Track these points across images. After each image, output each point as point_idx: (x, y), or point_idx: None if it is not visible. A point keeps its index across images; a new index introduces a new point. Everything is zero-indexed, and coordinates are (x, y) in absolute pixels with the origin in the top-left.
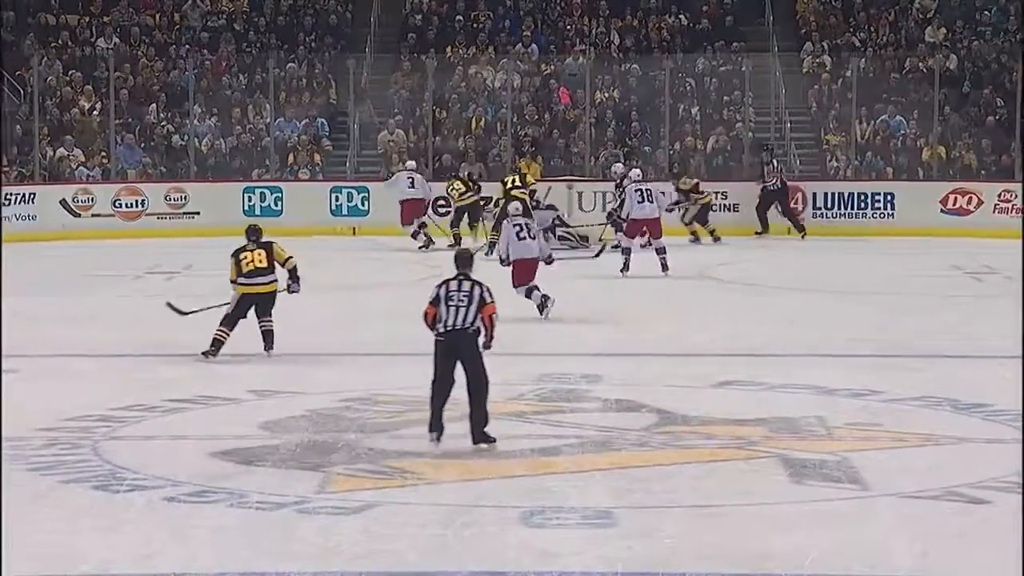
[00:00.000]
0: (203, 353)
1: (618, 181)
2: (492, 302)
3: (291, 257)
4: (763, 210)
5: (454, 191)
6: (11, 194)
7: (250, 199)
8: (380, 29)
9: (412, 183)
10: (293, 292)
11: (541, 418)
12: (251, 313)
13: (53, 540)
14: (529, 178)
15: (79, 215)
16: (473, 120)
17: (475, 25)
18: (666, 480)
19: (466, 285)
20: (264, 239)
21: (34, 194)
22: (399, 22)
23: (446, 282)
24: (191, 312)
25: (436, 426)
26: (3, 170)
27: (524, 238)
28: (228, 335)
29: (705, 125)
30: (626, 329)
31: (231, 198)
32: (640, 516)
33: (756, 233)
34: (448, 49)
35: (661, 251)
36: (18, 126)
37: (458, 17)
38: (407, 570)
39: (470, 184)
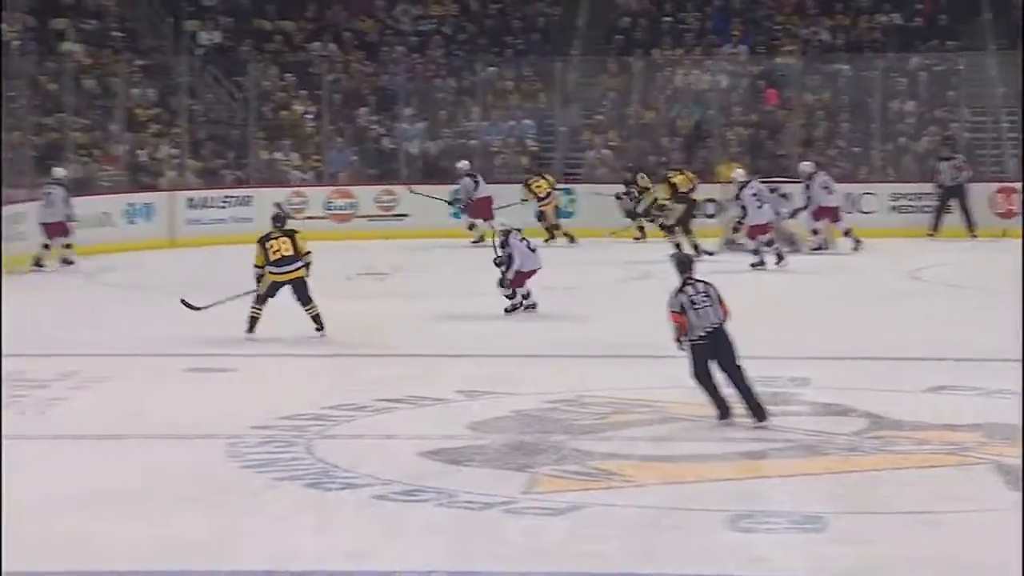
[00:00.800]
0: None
1: (805, 181)
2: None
3: (309, 252)
4: (940, 209)
5: (538, 188)
6: (229, 196)
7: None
8: (588, 31)
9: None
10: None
11: (748, 421)
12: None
13: (268, 536)
14: (683, 178)
15: (293, 217)
16: (679, 122)
17: (682, 26)
18: (877, 486)
19: (700, 286)
20: (288, 227)
21: (250, 197)
22: (607, 24)
23: (682, 290)
24: (206, 307)
25: (724, 409)
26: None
27: (534, 250)
28: (261, 311)
29: (919, 124)
30: (829, 331)
31: (439, 200)
32: (851, 521)
33: (928, 234)
34: (655, 50)
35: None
36: (235, 131)
37: (665, 18)
38: (613, 572)
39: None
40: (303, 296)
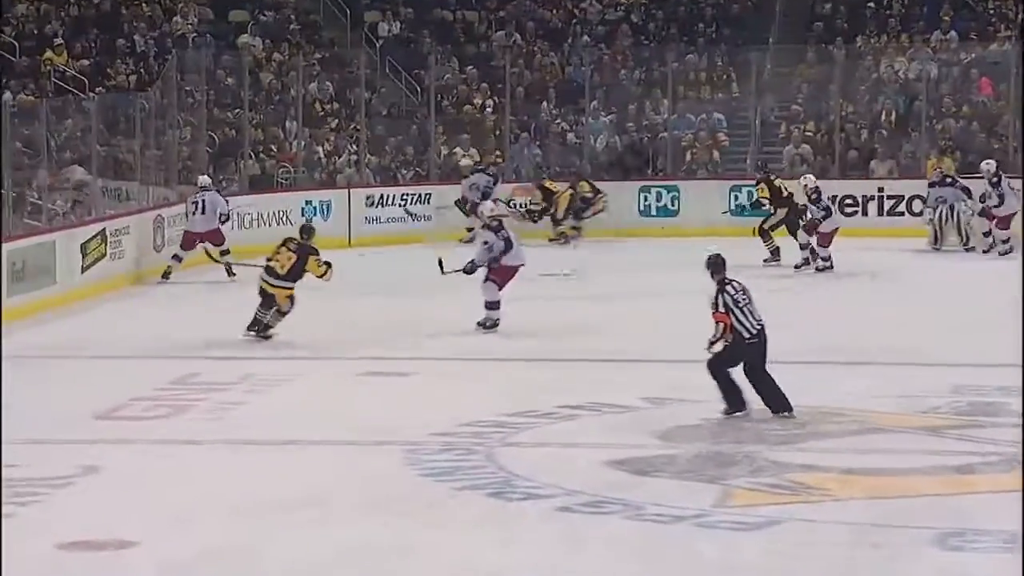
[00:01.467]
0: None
1: (991, 179)
2: None
3: (323, 275)
4: None
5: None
6: (407, 194)
7: (645, 198)
8: (785, 18)
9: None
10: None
11: (956, 433)
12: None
13: (448, 548)
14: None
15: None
16: (883, 113)
17: (887, 12)
18: None
19: (739, 286)
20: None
21: (430, 194)
22: (805, 10)
23: (723, 290)
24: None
25: (743, 403)
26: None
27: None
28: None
29: None
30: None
31: (626, 197)
32: None
33: None
34: (858, 38)
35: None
36: (414, 126)
37: (869, 4)
38: None
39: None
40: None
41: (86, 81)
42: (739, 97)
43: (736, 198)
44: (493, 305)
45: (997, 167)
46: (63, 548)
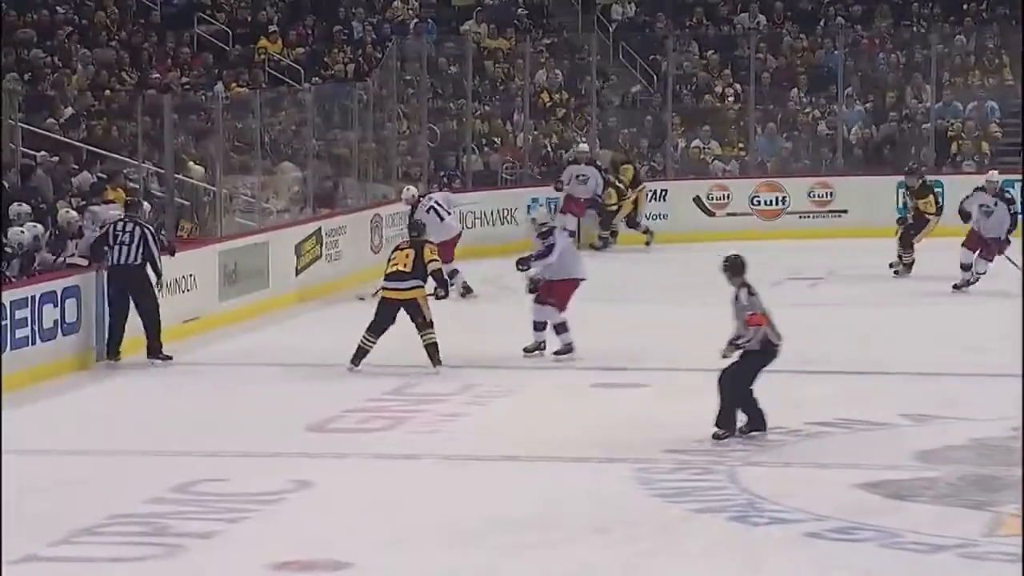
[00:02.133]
0: (351, 363)
1: None
2: None
3: (435, 260)
4: None
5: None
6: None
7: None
8: None
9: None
10: (440, 298)
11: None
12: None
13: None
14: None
15: (713, 214)
16: None
17: None
18: None
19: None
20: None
21: (666, 191)
22: None
23: (753, 293)
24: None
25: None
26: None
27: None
28: (373, 343)
29: None
30: None
31: (884, 194)
32: None
33: None
34: None
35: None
36: (649, 116)
37: None
38: None
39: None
40: (417, 321)
41: (301, 71)
42: (1013, 83)
43: (1009, 194)
44: (540, 327)
45: None
46: (275, 568)
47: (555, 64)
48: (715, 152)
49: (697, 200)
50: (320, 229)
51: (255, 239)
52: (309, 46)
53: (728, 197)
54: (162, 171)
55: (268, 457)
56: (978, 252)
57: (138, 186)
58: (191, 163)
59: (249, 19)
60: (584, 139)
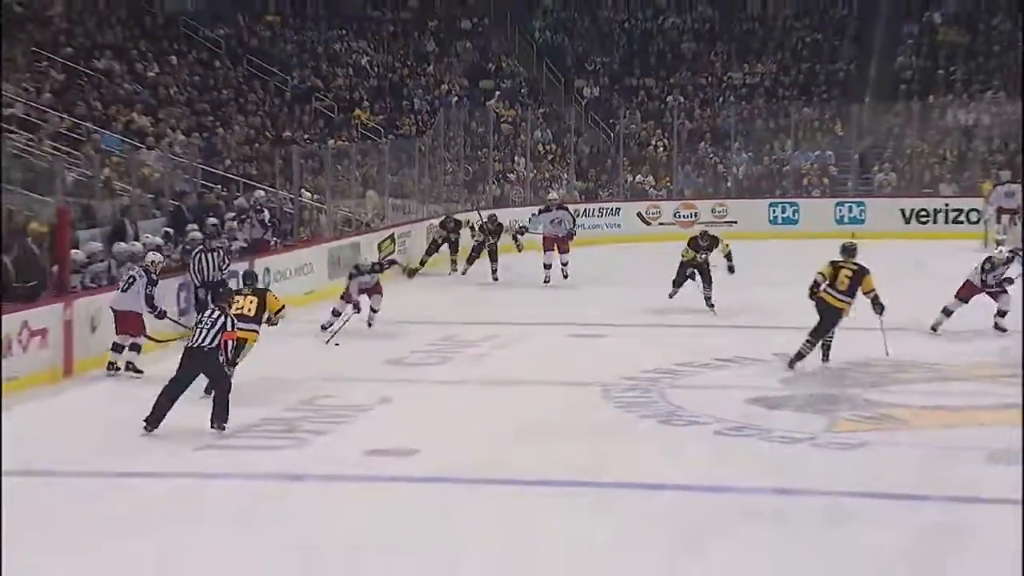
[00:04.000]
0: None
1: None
2: None
3: (282, 307)
4: None
5: None
6: (603, 208)
7: (773, 211)
8: (876, 82)
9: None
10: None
11: (1005, 380)
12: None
13: (632, 460)
14: None
15: (650, 223)
16: (947, 150)
17: (952, 76)
18: None
19: None
20: (258, 287)
21: (619, 208)
22: (891, 76)
23: None
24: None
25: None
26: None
27: None
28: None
29: None
30: None
31: (760, 211)
32: None
33: None
34: (930, 96)
35: None
36: (608, 160)
37: (939, 71)
38: (897, 491)
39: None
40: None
41: (381, 131)
42: (843, 138)
43: (839, 211)
44: (548, 266)
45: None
46: (366, 453)
47: (547, 126)
48: (651, 183)
49: (639, 215)
50: (393, 233)
51: (351, 240)
52: (387, 114)
53: (659, 212)
54: (291, 196)
55: (362, 382)
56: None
57: (275, 206)
58: (307, 191)
59: (348, 97)
60: (553, 187)
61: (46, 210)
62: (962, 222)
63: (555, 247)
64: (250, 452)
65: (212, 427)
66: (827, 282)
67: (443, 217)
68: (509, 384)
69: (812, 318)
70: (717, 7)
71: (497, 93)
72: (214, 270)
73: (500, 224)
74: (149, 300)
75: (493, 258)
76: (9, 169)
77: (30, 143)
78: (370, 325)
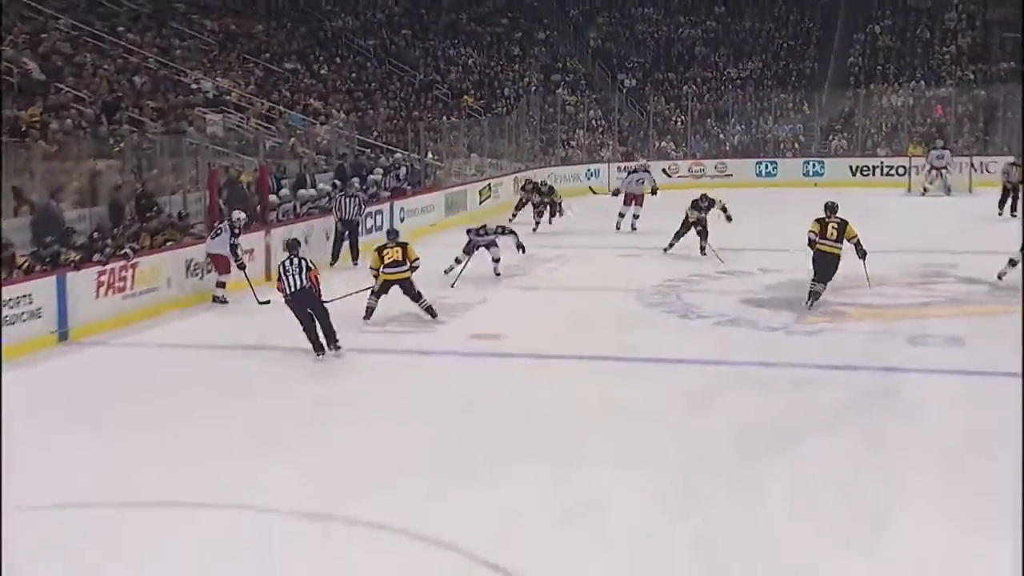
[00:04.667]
0: (364, 319)
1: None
2: None
3: (417, 259)
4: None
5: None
6: (629, 167)
7: (759, 168)
8: (835, 72)
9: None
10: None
11: (923, 286)
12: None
13: (660, 343)
14: None
15: (671, 176)
16: (883, 124)
17: (886, 69)
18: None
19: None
20: (400, 240)
21: (648, 166)
22: (844, 68)
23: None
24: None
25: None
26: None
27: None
28: (376, 303)
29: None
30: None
31: (749, 168)
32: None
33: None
34: (871, 85)
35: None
36: (641, 131)
37: (878, 67)
38: (844, 363)
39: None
40: (411, 293)
41: (481, 111)
42: (809, 115)
43: (805, 167)
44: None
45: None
46: (469, 337)
47: (598, 107)
48: (672, 148)
49: (663, 170)
50: (489, 183)
51: (460, 188)
52: (485, 99)
53: (677, 168)
54: (419, 157)
55: (472, 289)
56: None
57: (408, 164)
58: (430, 154)
59: (458, 87)
60: (641, 156)
61: (252, 166)
62: (892, 175)
63: (632, 202)
64: (393, 335)
65: (330, 349)
66: (819, 236)
67: (523, 182)
68: (570, 289)
69: (788, 242)
70: (720, 22)
71: (563, 83)
72: (351, 211)
73: (552, 188)
74: (233, 249)
75: (551, 211)
76: (226, 138)
77: (241, 120)
78: (498, 274)
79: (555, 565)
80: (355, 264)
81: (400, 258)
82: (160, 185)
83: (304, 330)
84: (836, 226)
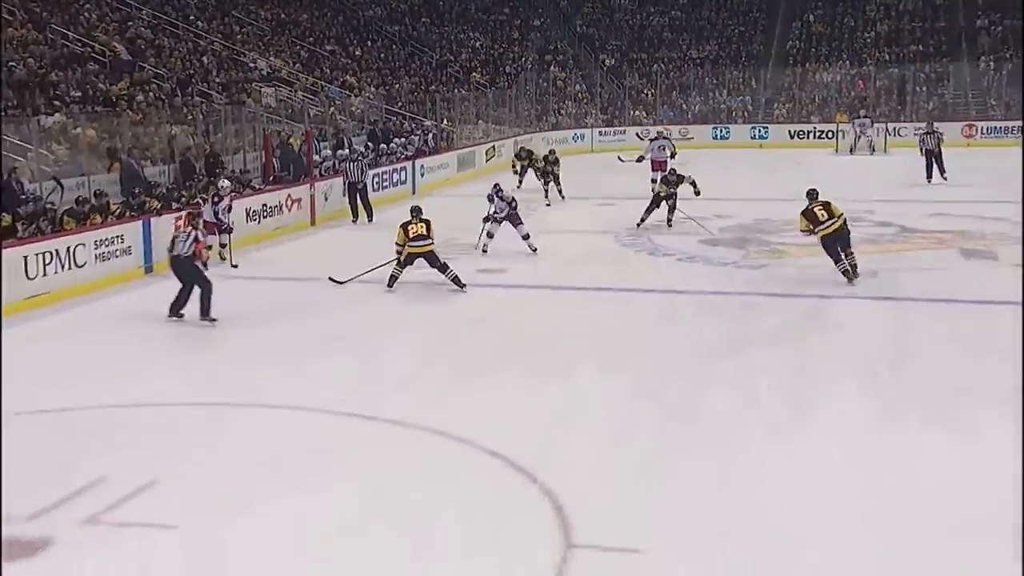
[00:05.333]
0: (387, 287)
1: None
2: None
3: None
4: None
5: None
6: (615, 130)
7: (715, 132)
8: (777, 54)
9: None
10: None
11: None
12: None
13: (623, 274)
14: None
15: (642, 139)
16: (816, 97)
17: (817, 51)
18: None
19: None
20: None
21: (625, 130)
22: (784, 51)
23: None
24: (347, 281)
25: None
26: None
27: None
28: (401, 273)
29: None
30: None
31: (707, 132)
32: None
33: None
34: (807, 64)
35: None
36: (619, 102)
37: (812, 49)
38: (784, 291)
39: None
40: (437, 265)
41: (487, 85)
42: (756, 89)
43: (752, 132)
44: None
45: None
46: (477, 271)
47: (583, 82)
48: (643, 116)
49: (636, 134)
50: (494, 145)
51: (470, 149)
52: (490, 75)
53: (648, 132)
54: (436, 124)
55: (474, 231)
56: None
57: (427, 131)
58: (446, 121)
59: (468, 65)
60: (660, 125)
61: (299, 131)
62: (823, 138)
63: (659, 168)
64: (411, 270)
65: (201, 319)
66: (813, 225)
67: (519, 148)
68: (560, 232)
69: (738, 193)
70: (683, 11)
71: (554, 62)
72: (356, 174)
73: (557, 159)
74: (215, 214)
75: (556, 181)
76: (278, 108)
77: (290, 93)
78: (534, 250)
79: (547, 451)
80: (370, 221)
81: (425, 232)
82: (224, 147)
83: (177, 294)
84: (821, 207)
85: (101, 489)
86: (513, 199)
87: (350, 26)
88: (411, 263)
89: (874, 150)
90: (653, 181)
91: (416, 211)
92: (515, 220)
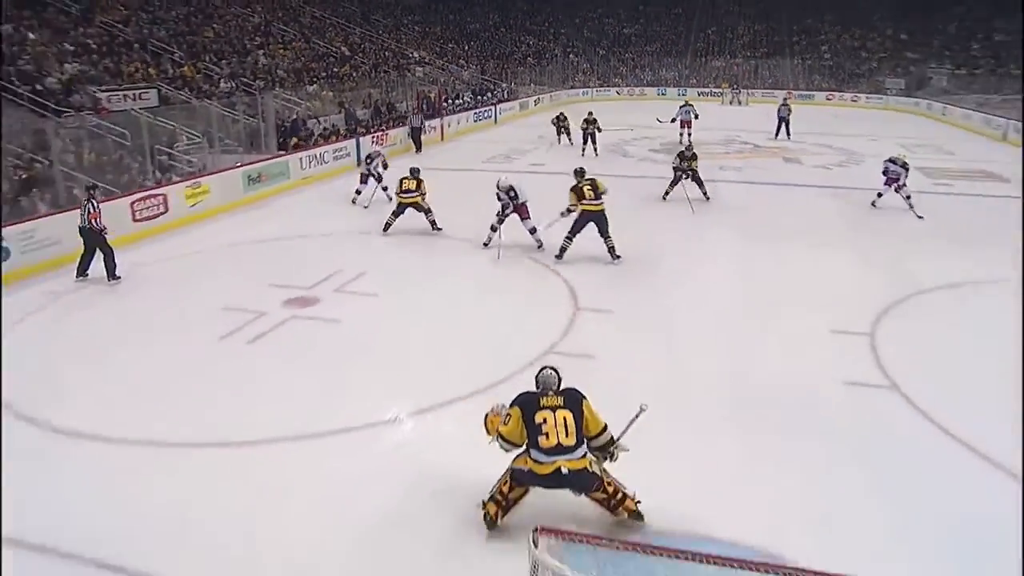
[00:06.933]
0: (383, 231)
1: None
2: None
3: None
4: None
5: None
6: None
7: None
8: (696, 44)
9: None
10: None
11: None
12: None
13: (608, 168)
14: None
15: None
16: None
17: (732, 42)
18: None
19: None
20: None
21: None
22: (705, 44)
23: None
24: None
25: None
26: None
27: None
28: (394, 220)
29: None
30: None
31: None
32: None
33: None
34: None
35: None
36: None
37: (735, 41)
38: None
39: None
40: (423, 210)
41: (535, 63)
42: (680, 70)
43: (679, 92)
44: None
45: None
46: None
47: (588, 64)
48: (620, 82)
49: (616, 91)
50: (539, 97)
51: (526, 99)
52: (536, 59)
53: (623, 93)
54: (507, 84)
55: (529, 147)
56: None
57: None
58: (513, 83)
59: (522, 52)
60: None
61: (433, 91)
62: (715, 96)
63: (686, 126)
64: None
65: (109, 281)
66: (578, 200)
67: (558, 113)
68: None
69: (661, 122)
70: (642, 25)
71: (571, 52)
72: (416, 122)
73: (596, 119)
74: (368, 171)
75: (593, 140)
76: (423, 78)
77: (431, 70)
78: (540, 244)
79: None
80: (418, 152)
81: (413, 187)
82: (395, 99)
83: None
84: (590, 187)
85: (338, 275)
86: (511, 188)
87: (461, 33)
88: (403, 212)
89: (741, 104)
90: (680, 134)
91: (414, 171)
92: (523, 213)
